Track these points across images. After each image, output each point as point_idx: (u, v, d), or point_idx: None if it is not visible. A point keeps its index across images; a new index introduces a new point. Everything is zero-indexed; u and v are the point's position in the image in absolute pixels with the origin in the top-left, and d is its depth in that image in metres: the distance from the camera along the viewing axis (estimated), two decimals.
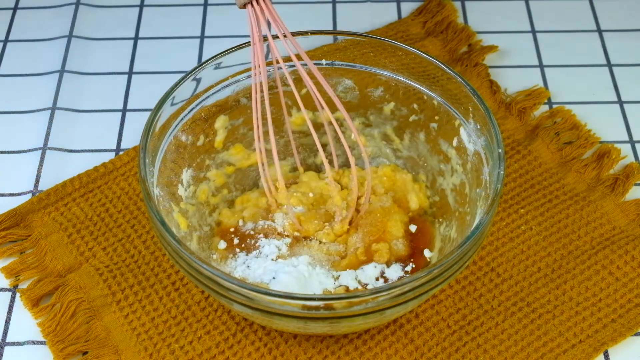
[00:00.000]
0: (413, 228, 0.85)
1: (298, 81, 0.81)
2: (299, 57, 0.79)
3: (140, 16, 1.10)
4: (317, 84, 0.79)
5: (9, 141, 0.96)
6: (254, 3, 0.76)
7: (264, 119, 0.81)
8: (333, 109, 0.81)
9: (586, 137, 0.95)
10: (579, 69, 1.04)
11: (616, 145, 0.95)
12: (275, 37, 0.79)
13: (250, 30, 0.77)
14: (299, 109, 0.87)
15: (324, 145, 0.87)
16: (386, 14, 1.10)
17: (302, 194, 0.86)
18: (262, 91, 0.79)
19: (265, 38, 0.78)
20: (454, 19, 1.08)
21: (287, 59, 0.80)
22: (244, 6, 0.76)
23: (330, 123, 0.84)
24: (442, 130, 0.85)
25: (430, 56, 0.82)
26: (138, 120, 0.98)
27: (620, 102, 1.00)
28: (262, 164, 0.82)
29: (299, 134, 0.89)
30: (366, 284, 0.80)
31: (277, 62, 0.79)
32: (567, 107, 0.99)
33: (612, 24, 1.09)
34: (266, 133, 0.83)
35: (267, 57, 0.82)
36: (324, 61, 0.86)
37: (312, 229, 0.83)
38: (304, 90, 0.82)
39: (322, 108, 0.79)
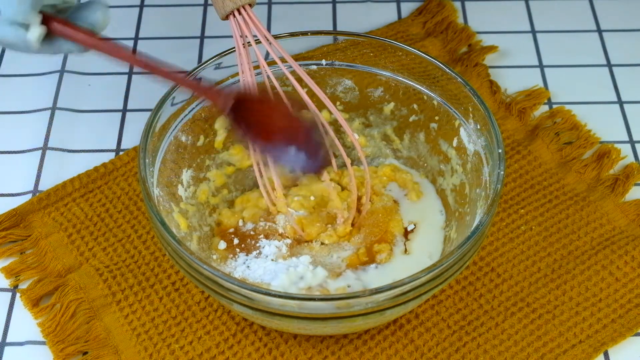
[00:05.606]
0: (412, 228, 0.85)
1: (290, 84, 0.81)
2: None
3: (140, 16, 1.10)
4: (307, 86, 0.79)
5: (9, 141, 0.96)
6: (236, 14, 0.76)
7: None
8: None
9: (586, 137, 0.95)
10: (579, 69, 1.04)
11: (616, 145, 0.95)
12: (258, 42, 0.79)
13: (235, 41, 0.77)
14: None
15: None
16: (386, 14, 1.10)
17: (303, 197, 0.85)
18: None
19: (257, 41, 0.78)
20: (454, 19, 1.08)
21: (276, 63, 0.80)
22: (226, 17, 0.76)
23: (329, 124, 0.84)
24: (442, 131, 0.85)
25: (430, 56, 0.82)
26: (138, 120, 0.98)
27: (620, 102, 1.00)
28: (260, 173, 0.82)
29: None
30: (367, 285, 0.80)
31: (276, 64, 0.79)
32: (567, 107, 0.99)
33: (612, 24, 1.09)
34: None
35: (267, 58, 0.82)
36: (324, 61, 0.86)
37: (315, 233, 0.83)
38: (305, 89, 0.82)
39: (314, 111, 0.79)
